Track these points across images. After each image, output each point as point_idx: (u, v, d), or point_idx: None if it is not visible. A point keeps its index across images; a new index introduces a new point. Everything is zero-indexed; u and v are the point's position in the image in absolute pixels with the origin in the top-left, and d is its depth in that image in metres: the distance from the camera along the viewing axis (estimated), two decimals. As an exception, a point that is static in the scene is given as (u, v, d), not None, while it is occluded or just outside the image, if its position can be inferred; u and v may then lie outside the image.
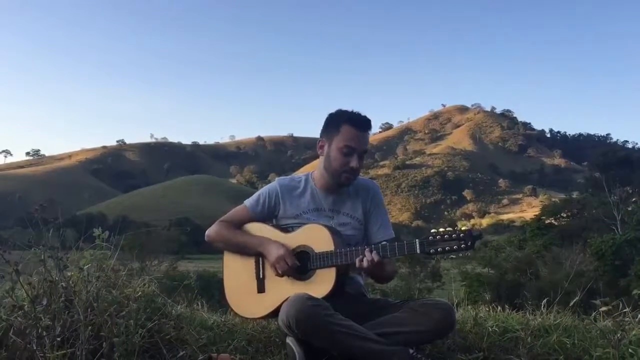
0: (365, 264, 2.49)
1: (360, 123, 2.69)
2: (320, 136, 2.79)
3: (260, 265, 2.74)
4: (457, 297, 3.96)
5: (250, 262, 2.77)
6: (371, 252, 2.50)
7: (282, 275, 2.65)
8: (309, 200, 2.82)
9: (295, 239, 2.69)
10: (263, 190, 2.92)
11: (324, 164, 2.77)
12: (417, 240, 2.48)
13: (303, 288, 2.55)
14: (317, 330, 2.35)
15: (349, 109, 2.75)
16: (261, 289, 2.72)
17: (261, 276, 2.73)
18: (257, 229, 2.82)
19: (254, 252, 2.74)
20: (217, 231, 2.85)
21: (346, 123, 2.68)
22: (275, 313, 2.58)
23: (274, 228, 2.81)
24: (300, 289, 2.53)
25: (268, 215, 2.87)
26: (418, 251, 2.46)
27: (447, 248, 2.42)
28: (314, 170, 2.90)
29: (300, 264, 2.63)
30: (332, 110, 2.79)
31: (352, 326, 2.39)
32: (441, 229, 2.46)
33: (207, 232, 2.89)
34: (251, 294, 2.73)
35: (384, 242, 2.56)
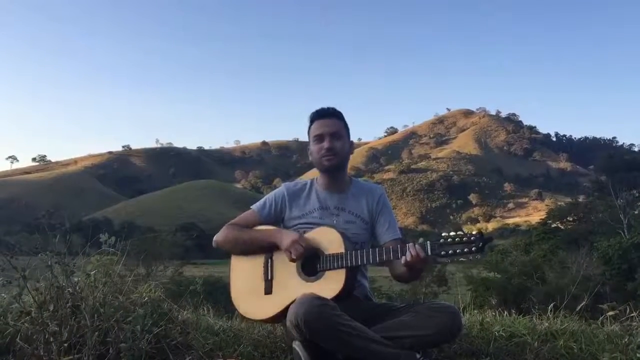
0: (408, 259, 2.47)
1: (321, 113, 2.87)
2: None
3: (269, 267, 2.74)
4: (463, 302, 3.95)
5: (259, 264, 2.77)
6: (414, 248, 2.48)
7: (295, 260, 2.64)
8: (314, 201, 2.87)
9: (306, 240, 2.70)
10: (270, 194, 2.97)
11: (313, 163, 2.89)
12: (428, 242, 2.48)
13: (311, 289, 2.54)
14: (325, 330, 2.35)
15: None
16: (268, 290, 2.71)
17: (269, 277, 2.73)
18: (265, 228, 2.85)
19: (266, 243, 2.74)
20: (225, 233, 2.85)
21: (312, 120, 2.88)
22: (282, 315, 2.58)
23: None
24: (308, 290, 2.52)
25: (275, 218, 2.89)
26: (429, 252, 2.46)
27: (457, 251, 2.41)
28: (318, 175, 2.95)
29: (310, 265, 2.64)
30: None
31: (360, 327, 2.39)
32: (452, 232, 2.46)
33: (214, 238, 2.88)
34: (258, 295, 2.72)
35: (392, 247, 2.56)
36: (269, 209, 2.88)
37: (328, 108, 2.89)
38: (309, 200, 2.88)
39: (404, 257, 2.50)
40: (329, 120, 2.84)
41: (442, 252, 2.44)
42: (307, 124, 2.90)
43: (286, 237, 2.67)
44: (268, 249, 2.75)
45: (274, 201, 2.90)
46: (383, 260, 2.57)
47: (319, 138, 2.80)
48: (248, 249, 2.81)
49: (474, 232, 2.44)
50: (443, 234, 2.46)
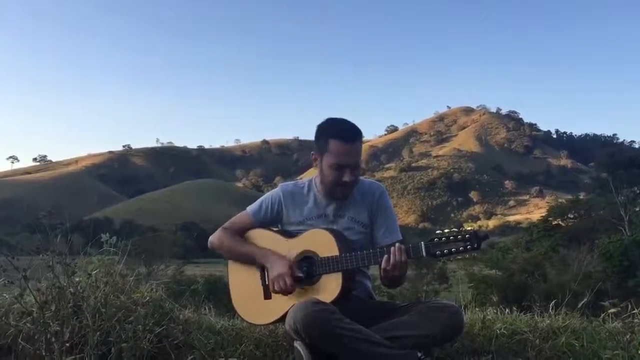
0: (391, 262, 2.46)
1: (348, 136, 2.63)
2: (314, 148, 2.75)
3: (266, 272, 2.73)
4: (465, 299, 3.95)
5: (255, 268, 2.76)
6: (400, 251, 2.47)
7: (277, 293, 2.61)
8: (312, 207, 2.79)
9: (299, 244, 2.67)
10: (266, 196, 2.89)
11: (320, 178, 2.74)
12: (422, 243, 2.46)
13: (310, 293, 2.55)
14: (325, 334, 2.34)
15: (337, 117, 2.72)
16: (268, 295, 2.71)
17: (267, 282, 2.72)
18: (260, 235, 2.80)
19: (257, 263, 2.72)
20: (220, 239, 2.83)
21: (333, 138, 2.62)
22: (283, 319, 2.57)
23: (277, 233, 2.79)
24: (307, 295, 2.53)
25: (271, 222, 2.85)
26: (424, 254, 2.45)
27: (453, 250, 2.41)
28: (317, 175, 2.85)
29: (306, 269, 2.62)
30: (341, 113, 2.83)
31: (360, 330, 2.38)
32: (446, 231, 2.45)
33: (209, 240, 2.87)
34: (258, 300, 2.72)
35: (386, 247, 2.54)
36: (265, 213, 2.83)
37: (353, 129, 2.65)
38: (307, 206, 2.80)
39: (386, 263, 2.48)
40: (354, 146, 2.63)
41: (437, 252, 2.44)
42: (319, 132, 2.70)
43: (275, 267, 2.61)
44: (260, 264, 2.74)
45: (270, 204, 2.83)
46: (372, 263, 2.57)
47: (340, 167, 2.61)
48: (241, 261, 2.80)
49: (468, 230, 2.44)
50: (437, 232, 2.46)
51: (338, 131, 2.64)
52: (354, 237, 2.74)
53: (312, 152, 2.76)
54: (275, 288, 2.60)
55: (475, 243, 2.39)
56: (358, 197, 2.80)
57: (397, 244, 2.50)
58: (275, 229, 2.86)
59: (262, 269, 2.73)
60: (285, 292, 2.58)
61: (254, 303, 2.73)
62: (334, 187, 2.68)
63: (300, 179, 3.00)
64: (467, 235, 2.41)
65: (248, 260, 2.76)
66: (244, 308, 2.77)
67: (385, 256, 2.49)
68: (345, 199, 2.75)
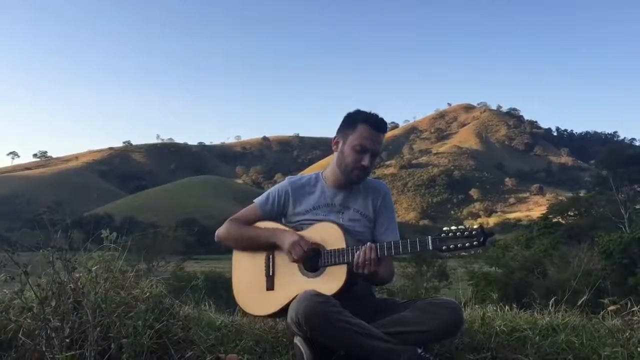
0: (361, 259, 2.49)
1: (376, 123, 2.74)
2: (337, 133, 2.83)
3: (270, 263, 2.74)
4: (465, 297, 3.95)
5: (260, 259, 2.77)
6: (371, 249, 2.50)
7: (298, 261, 2.65)
8: (319, 197, 2.84)
9: (307, 236, 2.69)
10: (273, 189, 2.94)
11: (337, 160, 2.80)
12: (429, 237, 2.48)
13: (313, 285, 2.55)
14: (326, 327, 2.35)
15: (367, 110, 2.81)
16: (270, 286, 2.72)
17: (270, 273, 2.73)
18: (267, 226, 2.83)
19: (267, 243, 2.74)
20: (228, 229, 2.86)
21: (362, 122, 2.73)
22: (284, 311, 2.58)
23: (284, 226, 2.81)
24: (309, 286, 2.52)
25: (278, 213, 2.88)
26: (430, 247, 2.47)
27: (459, 245, 2.42)
28: (322, 169, 2.92)
29: (311, 261, 2.63)
30: (340, 110, 2.84)
31: (361, 324, 2.39)
32: (453, 227, 2.47)
33: (217, 232, 2.90)
34: (260, 291, 2.73)
35: (393, 240, 2.57)
36: (272, 204, 2.87)
37: (382, 120, 2.77)
38: (314, 197, 2.84)
39: (357, 259, 2.51)
40: (379, 136, 2.76)
41: (444, 247, 2.45)
42: (349, 116, 2.80)
43: (287, 239, 2.66)
44: (269, 247, 2.76)
45: (277, 196, 2.87)
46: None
47: (362, 149, 2.70)
48: (249, 247, 2.82)
49: (474, 226, 2.45)
50: (444, 229, 2.47)
51: (368, 118, 2.75)
52: (359, 228, 2.79)
53: (334, 137, 2.83)
54: (294, 256, 2.64)
55: (482, 239, 2.41)
56: (364, 191, 2.86)
57: (368, 243, 2.54)
58: (282, 223, 2.87)
59: (267, 259, 2.75)
60: (305, 256, 2.62)
61: (255, 294, 2.75)
62: (351, 170, 2.74)
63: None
64: (473, 232, 2.42)
65: (256, 243, 2.78)
66: (245, 299, 2.79)
67: (357, 252, 2.52)
68: (359, 182, 2.81)
